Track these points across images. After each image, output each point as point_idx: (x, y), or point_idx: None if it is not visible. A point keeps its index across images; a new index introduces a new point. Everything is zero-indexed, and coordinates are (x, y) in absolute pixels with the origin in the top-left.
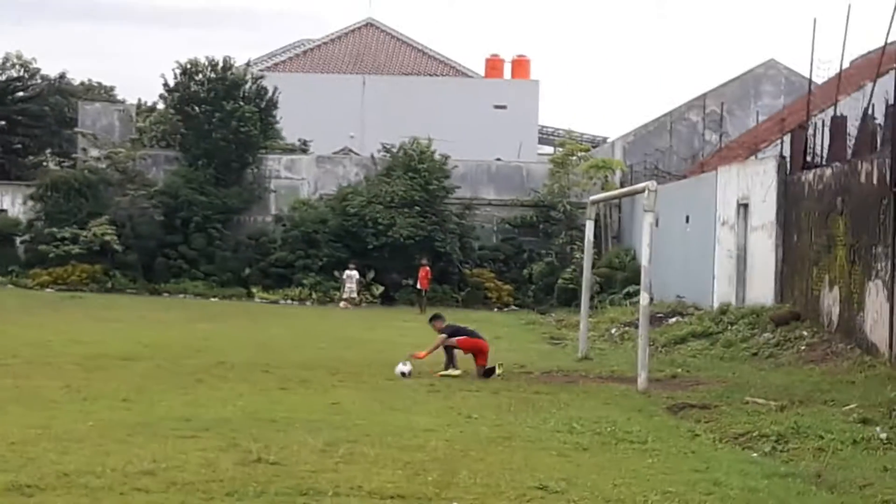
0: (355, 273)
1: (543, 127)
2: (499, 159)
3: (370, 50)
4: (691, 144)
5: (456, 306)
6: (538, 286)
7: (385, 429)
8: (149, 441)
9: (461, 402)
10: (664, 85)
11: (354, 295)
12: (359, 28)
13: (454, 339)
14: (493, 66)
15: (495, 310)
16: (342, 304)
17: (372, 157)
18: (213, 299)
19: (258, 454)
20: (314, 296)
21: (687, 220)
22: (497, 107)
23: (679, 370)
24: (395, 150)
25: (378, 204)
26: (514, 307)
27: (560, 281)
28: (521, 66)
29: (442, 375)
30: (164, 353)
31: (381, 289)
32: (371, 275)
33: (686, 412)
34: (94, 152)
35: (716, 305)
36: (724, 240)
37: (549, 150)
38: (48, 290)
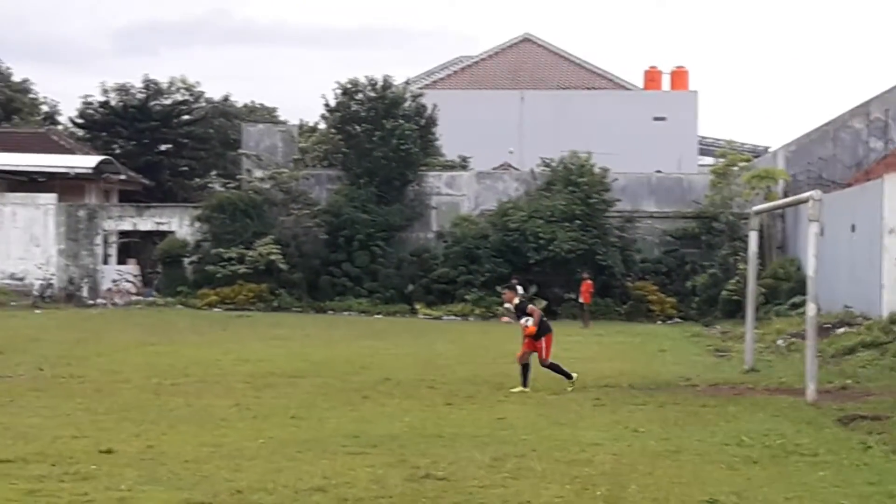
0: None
1: (703, 138)
2: (659, 171)
3: (528, 65)
4: (855, 152)
5: (619, 319)
6: (702, 298)
7: (552, 443)
8: (318, 458)
9: (627, 416)
10: (826, 92)
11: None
12: (516, 44)
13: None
14: (652, 77)
15: (658, 322)
16: (504, 318)
17: (532, 171)
18: (377, 316)
19: (426, 470)
20: (477, 311)
21: (853, 229)
22: (656, 118)
23: (848, 381)
24: (554, 165)
25: (539, 218)
26: (677, 319)
27: (724, 292)
28: (679, 77)
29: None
30: (330, 370)
31: (544, 303)
32: (533, 289)
33: (857, 424)
34: (259, 173)
35: (885, 315)
36: (891, 248)
37: (709, 160)
38: (216, 309)
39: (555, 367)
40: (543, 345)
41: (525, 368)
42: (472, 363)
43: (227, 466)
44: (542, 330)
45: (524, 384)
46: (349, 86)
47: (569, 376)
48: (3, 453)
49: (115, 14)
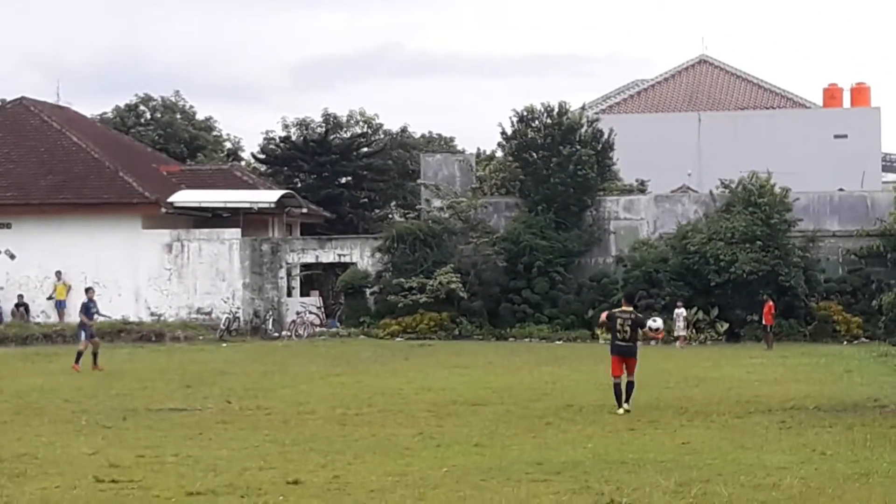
0: (683, 311)
1: (887, 154)
2: (841, 189)
3: (705, 86)
4: None
5: (803, 340)
6: (889, 317)
7: (737, 468)
8: (502, 485)
9: (814, 439)
10: None
11: (682, 332)
12: (692, 65)
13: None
14: (832, 95)
15: (844, 343)
16: (679, 343)
17: (711, 193)
18: (557, 342)
19: (610, 496)
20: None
21: None
22: (837, 136)
23: None
24: (733, 186)
25: (719, 240)
26: (863, 339)
27: None
28: (860, 93)
29: None
30: (512, 397)
31: (726, 326)
32: (715, 312)
33: None
34: (437, 203)
35: None
36: None
37: (894, 178)
38: (398, 339)
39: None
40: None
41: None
42: (654, 387)
43: (411, 496)
44: (616, 349)
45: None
46: (525, 113)
47: (620, 403)
48: (194, 486)
49: (292, 51)
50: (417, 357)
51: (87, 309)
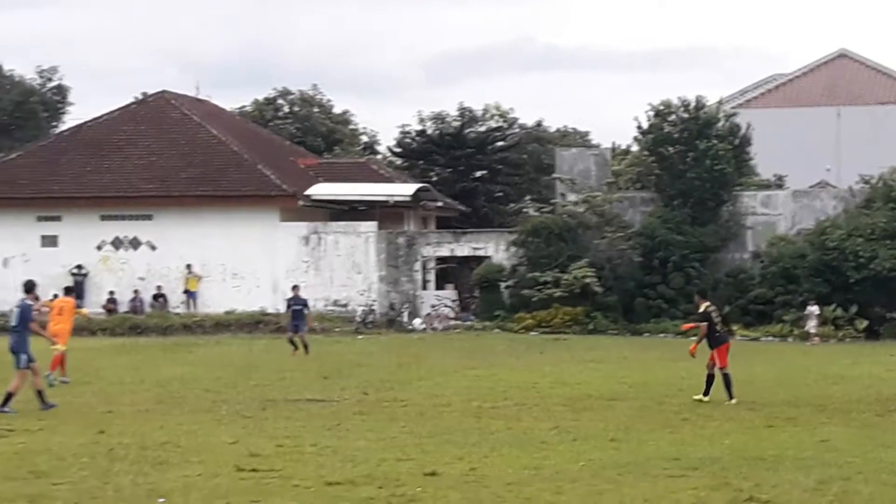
0: (815, 308)
1: None
2: None
3: (844, 81)
4: None
5: None
6: None
7: (879, 466)
8: (639, 480)
9: None
10: None
11: (813, 330)
12: (831, 60)
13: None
14: None
15: None
16: (812, 340)
17: (850, 189)
18: (692, 338)
19: (749, 493)
20: (795, 332)
21: None
22: None
23: None
24: (873, 181)
25: (858, 236)
26: None
27: None
28: None
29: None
30: (647, 392)
31: (865, 323)
32: (853, 309)
33: None
34: (572, 197)
35: None
36: None
37: None
38: (532, 333)
39: (709, 380)
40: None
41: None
42: (792, 384)
43: (548, 489)
44: (717, 340)
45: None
46: (661, 107)
47: (706, 392)
48: (333, 476)
49: (425, 45)
50: (552, 351)
51: None
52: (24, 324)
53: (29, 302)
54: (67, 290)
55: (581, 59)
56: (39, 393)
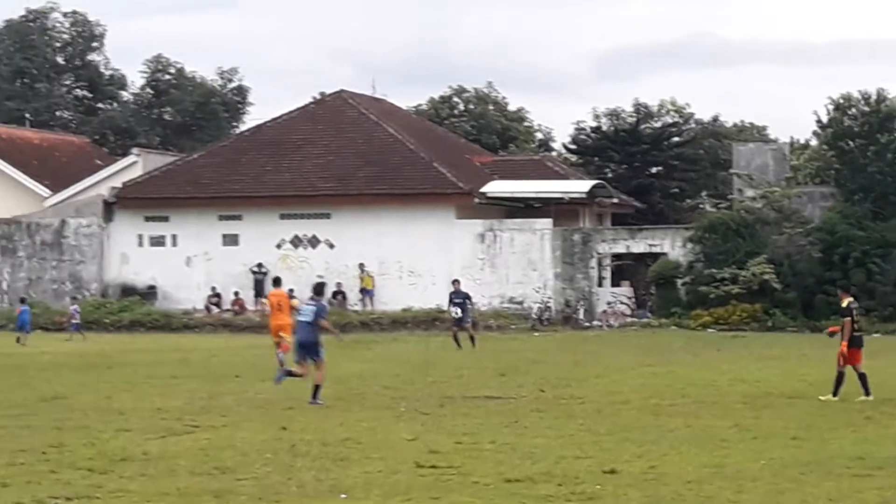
0: None
1: None
2: None
3: None
4: None
5: None
6: None
7: None
8: (822, 480)
9: None
10: None
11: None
12: None
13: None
14: None
15: None
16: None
17: None
18: (875, 335)
19: None
20: None
21: None
22: None
23: None
24: None
25: None
26: None
27: None
28: None
29: None
30: (828, 389)
31: None
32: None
33: None
34: (750, 192)
35: None
36: None
37: None
38: (709, 330)
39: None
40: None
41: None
42: None
43: (729, 488)
44: (855, 338)
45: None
46: (841, 101)
47: (835, 393)
48: (512, 472)
49: (596, 41)
50: (730, 348)
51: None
52: (317, 321)
53: (324, 303)
54: (276, 282)
55: (757, 52)
56: (316, 388)
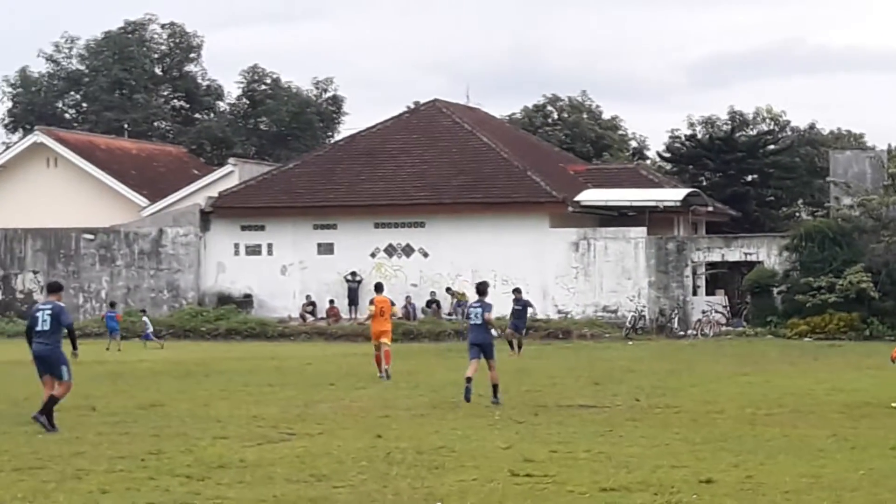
0: None
1: None
2: None
3: None
4: None
5: None
6: None
7: None
8: None
9: None
10: None
11: None
12: None
13: None
14: None
15: None
16: None
17: None
18: None
19: None
20: None
21: None
22: None
23: None
24: None
25: None
26: None
27: None
28: None
29: None
30: None
31: None
32: None
33: None
34: (847, 200)
35: None
36: None
37: None
38: (806, 339)
39: None
40: None
41: None
42: None
43: (828, 498)
44: None
45: None
46: None
47: None
48: (608, 482)
49: (687, 49)
50: (826, 357)
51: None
52: (486, 320)
53: (488, 302)
54: (378, 288)
55: (853, 59)
56: (495, 387)
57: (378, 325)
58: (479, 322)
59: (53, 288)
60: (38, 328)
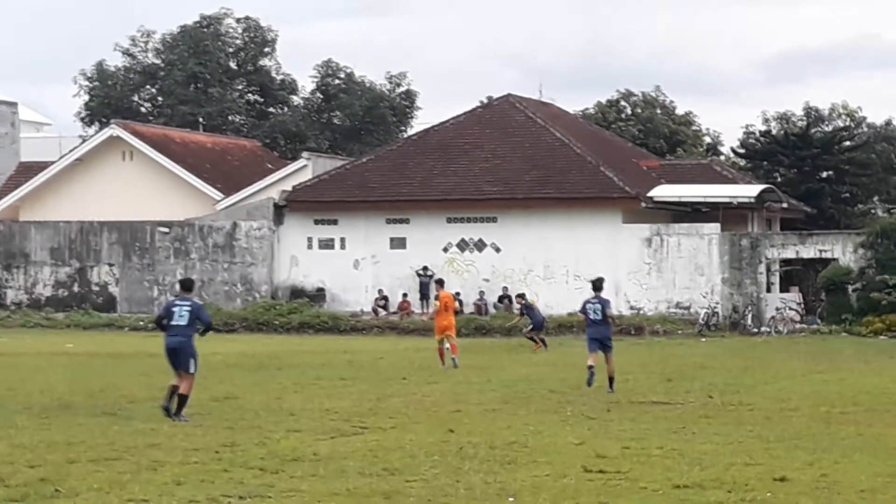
0: None
1: None
2: None
3: None
4: None
5: None
6: None
7: None
8: None
9: None
10: None
11: None
12: None
13: None
14: None
15: None
16: None
17: None
18: None
19: None
20: None
21: None
22: None
23: None
24: None
25: None
26: None
27: None
28: None
29: None
30: None
31: None
32: None
33: None
34: None
35: None
36: None
37: None
38: (881, 337)
39: None
40: None
41: None
42: None
43: None
44: None
45: None
46: None
47: None
48: (681, 479)
49: (762, 45)
50: None
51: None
52: (606, 314)
53: (606, 298)
54: (441, 283)
55: None
56: (611, 379)
57: (441, 319)
58: (599, 318)
59: (188, 286)
60: (175, 322)
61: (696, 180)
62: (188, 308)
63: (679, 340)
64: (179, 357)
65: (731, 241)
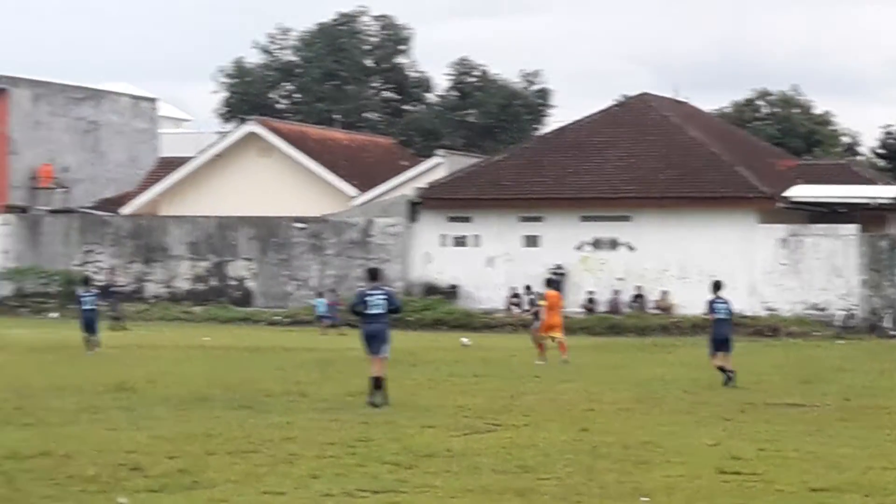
0: None
1: None
2: None
3: None
4: None
5: None
6: None
7: None
8: None
9: None
10: None
11: None
12: None
13: None
14: None
15: None
16: None
17: None
18: None
19: None
20: None
21: None
22: None
23: None
24: None
25: None
26: None
27: None
28: None
29: None
30: None
31: None
32: None
33: None
34: None
35: None
36: None
37: None
38: None
39: None
40: None
41: None
42: None
43: None
44: None
45: None
46: None
47: None
48: (817, 482)
49: None
50: None
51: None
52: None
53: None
54: (549, 283)
55: None
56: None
57: (550, 318)
58: (727, 317)
59: (376, 274)
60: (373, 311)
61: (834, 180)
62: (383, 296)
63: (815, 342)
64: (380, 341)
65: (870, 243)
